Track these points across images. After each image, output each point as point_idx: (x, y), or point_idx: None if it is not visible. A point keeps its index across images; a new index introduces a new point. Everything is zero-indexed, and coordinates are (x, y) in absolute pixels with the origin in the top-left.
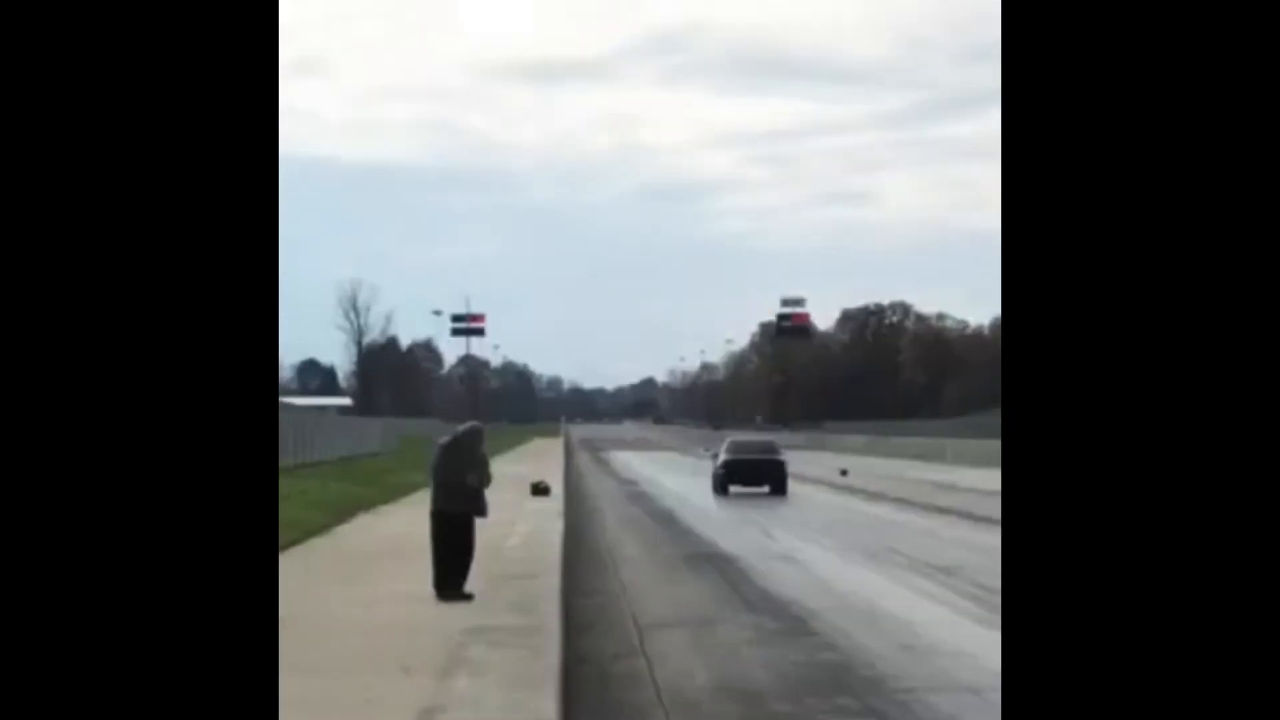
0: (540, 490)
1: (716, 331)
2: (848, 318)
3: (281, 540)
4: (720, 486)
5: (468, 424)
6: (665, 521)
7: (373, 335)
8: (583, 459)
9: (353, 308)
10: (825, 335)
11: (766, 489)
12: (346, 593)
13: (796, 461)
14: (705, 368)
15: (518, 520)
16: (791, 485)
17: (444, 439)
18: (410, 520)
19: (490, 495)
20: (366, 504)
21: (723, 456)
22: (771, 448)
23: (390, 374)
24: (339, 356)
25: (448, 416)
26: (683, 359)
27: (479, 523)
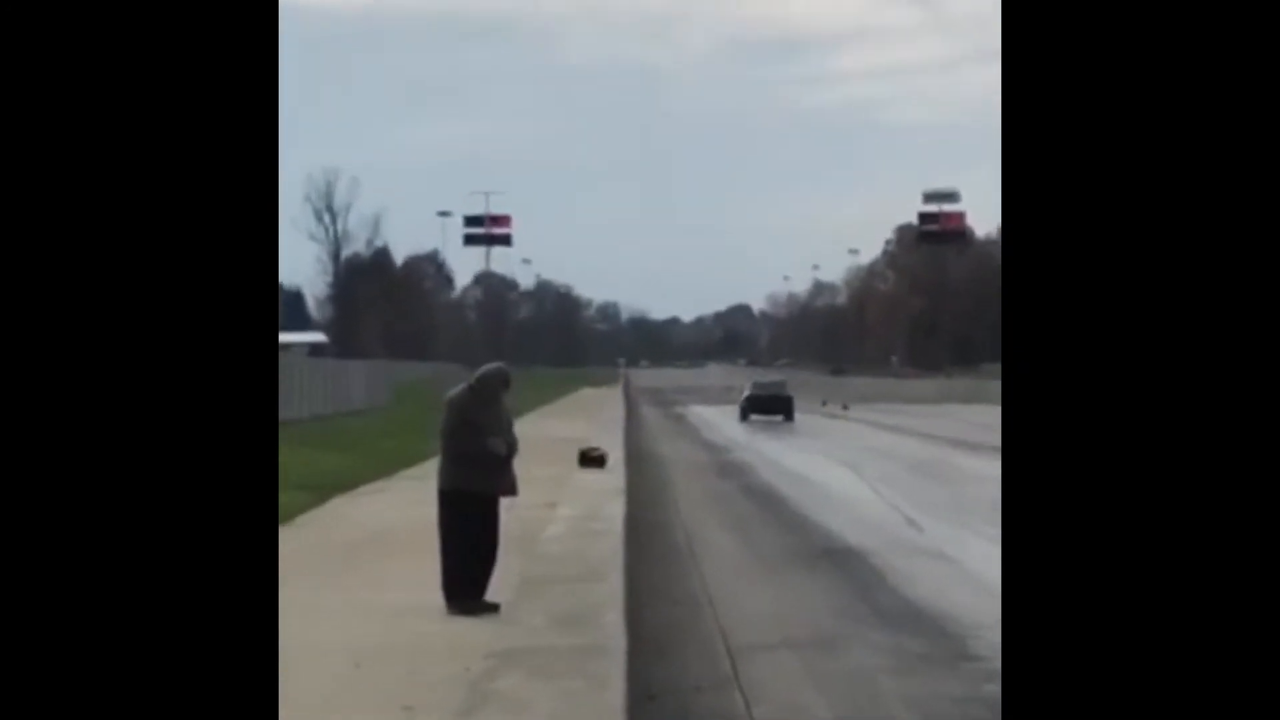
0: (592, 459)
1: (835, 240)
2: None
3: None
4: (743, 415)
5: (487, 366)
6: (766, 501)
7: (355, 246)
8: (650, 416)
9: (327, 208)
10: (986, 244)
11: (780, 418)
12: (326, 603)
13: (954, 421)
14: (820, 289)
15: (561, 500)
16: (942, 453)
17: (456, 390)
18: (410, 502)
19: (520, 467)
20: (348, 480)
21: (746, 393)
22: (782, 386)
23: (380, 300)
24: (308, 276)
25: (460, 358)
26: (787, 278)
27: (506, 504)
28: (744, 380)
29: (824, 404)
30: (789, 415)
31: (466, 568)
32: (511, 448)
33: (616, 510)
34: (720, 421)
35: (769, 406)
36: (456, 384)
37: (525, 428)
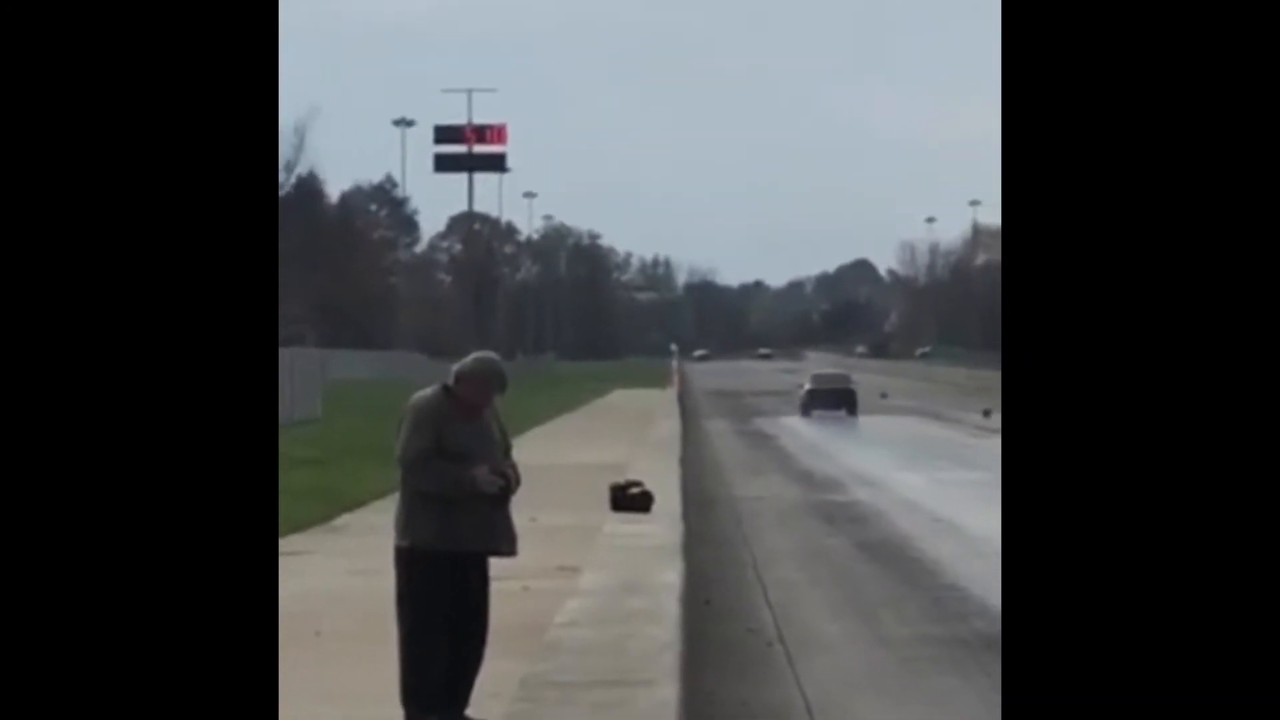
0: (631, 499)
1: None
2: None
3: None
4: (804, 411)
5: (472, 357)
6: (899, 567)
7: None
8: (718, 433)
9: None
10: None
11: (843, 411)
12: None
13: None
14: (982, 237)
15: (584, 564)
16: None
17: (422, 394)
18: (348, 568)
19: (521, 510)
20: None
21: (806, 386)
22: (845, 378)
23: (303, 256)
24: None
25: (426, 345)
26: (932, 220)
27: (500, 569)
28: (858, 380)
29: (986, 414)
30: (852, 410)
31: (437, 667)
32: (509, 482)
33: (669, 579)
34: (825, 440)
35: (832, 401)
36: (423, 384)
37: (530, 450)
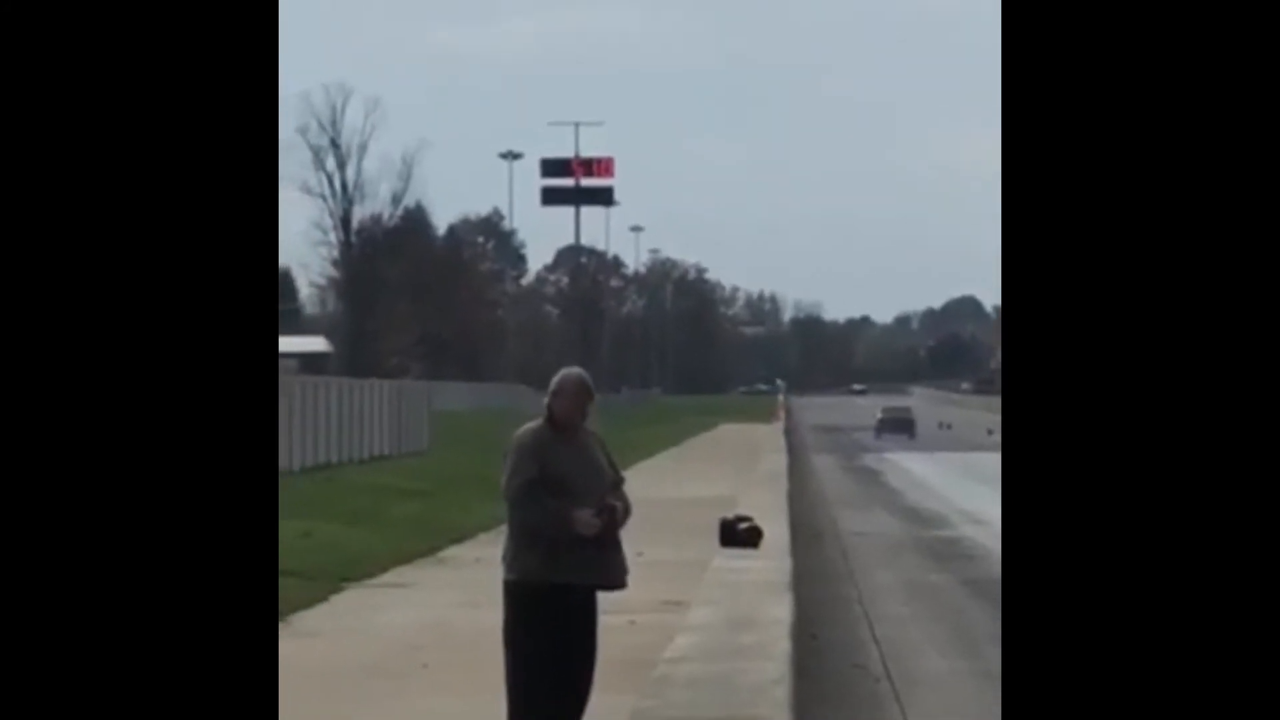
0: (740, 534)
1: None
2: None
3: None
4: (877, 434)
5: (562, 374)
6: (998, 600)
7: (374, 205)
8: (826, 469)
9: (331, 145)
10: None
11: (905, 435)
12: None
13: None
14: None
15: (694, 599)
16: None
17: (527, 427)
18: (454, 601)
19: (630, 544)
20: (362, 565)
21: (879, 415)
22: (907, 410)
23: (411, 288)
24: (300, 249)
25: (534, 378)
26: None
27: (608, 603)
28: (964, 417)
29: None
30: (911, 434)
31: (544, 701)
32: (614, 518)
33: (779, 614)
34: (931, 477)
35: (896, 426)
36: (528, 416)
37: (638, 483)
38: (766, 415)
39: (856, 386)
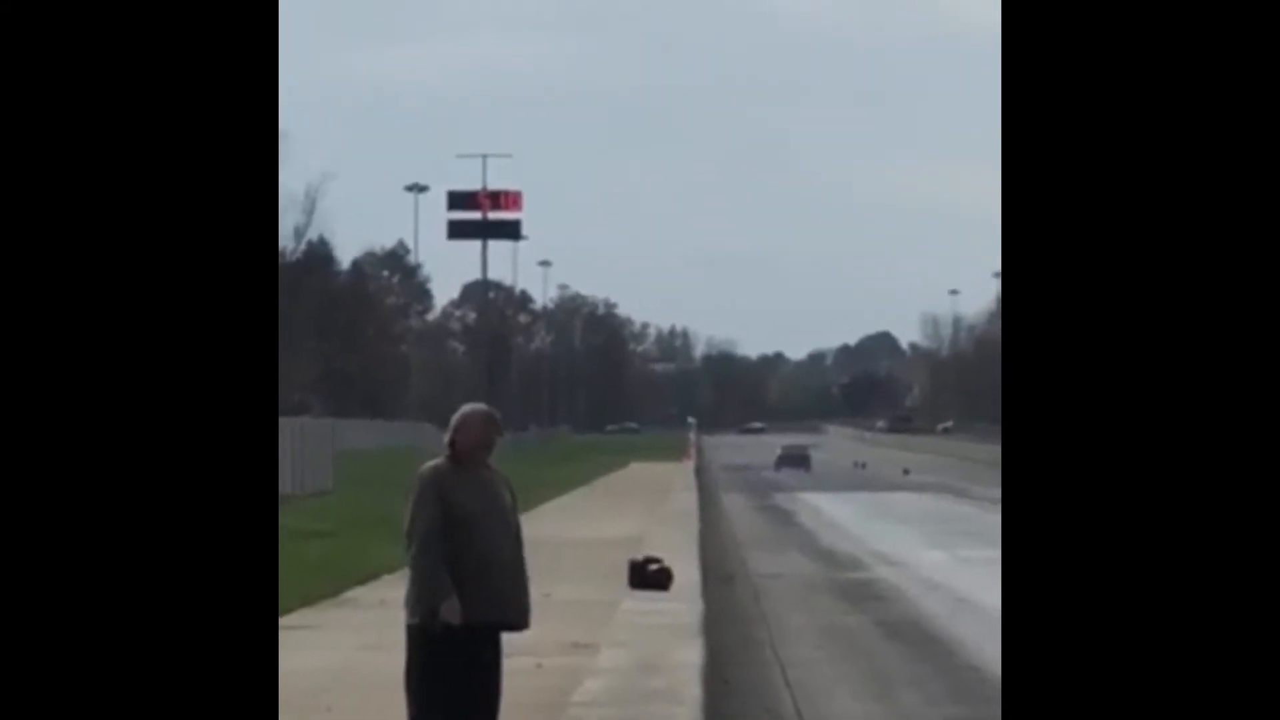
0: (650, 576)
1: None
2: None
3: None
4: (776, 468)
5: (467, 409)
6: (919, 645)
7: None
8: (737, 509)
9: None
10: None
11: (805, 470)
12: None
13: None
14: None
15: (602, 641)
16: None
17: (431, 464)
18: (359, 641)
19: (537, 586)
20: None
21: (778, 452)
22: (804, 447)
23: (313, 324)
24: None
25: (440, 416)
26: (956, 292)
27: (512, 645)
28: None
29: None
30: (808, 468)
31: None
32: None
33: (689, 657)
34: (845, 518)
35: (794, 462)
36: (433, 455)
37: (544, 523)
38: (677, 454)
39: (755, 425)
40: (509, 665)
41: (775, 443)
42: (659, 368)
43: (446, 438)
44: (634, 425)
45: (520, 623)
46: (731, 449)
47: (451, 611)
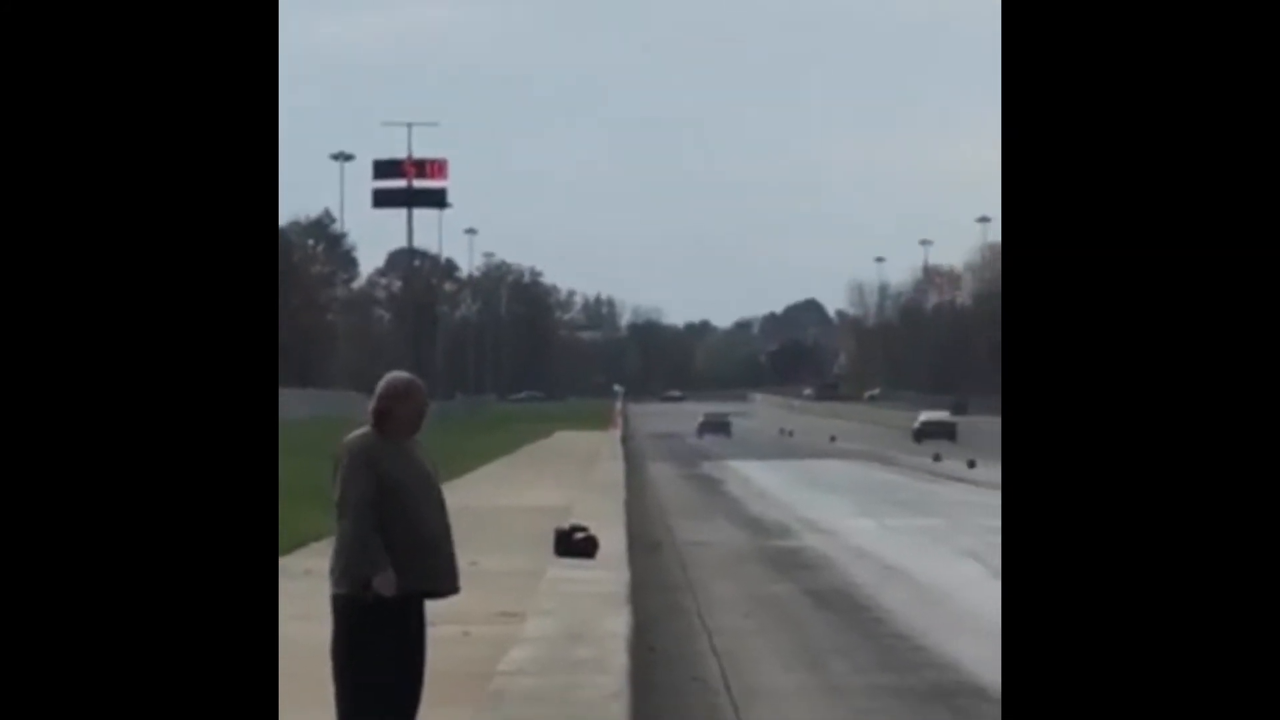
0: (576, 544)
1: (959, 200)
2: None
3: None
4: (699, 434)
5: (389, 378)
6: (849, 614)
7: None
8: (663, 477)
9: None
10: None
11: (723, 435)
12: None
13: None
14: (935, 279)
15: (529, 609)
16: None
17: (356, 433)
18: (283, 614)
19: (465, 555)
20: None
21: (700, 419)
22: (724, 415)
23: None
24: None
25: (364, 384)
26: (881, 260)
27: (438, 612)
28: (807, 423)
29: (937, 459)
30: (728, 434)
31: (378, 716)
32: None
33: (615, 626)
34: (774, 486)
35: (715, 429)
36: (360, 423)
37: (470, 492)
38: (604, 422)
39: (674, 393)
40: (436, 634)
41: (698, 410)
42: (585, 335)
43: (375, 406)
44: (538, 394)
45: (450, 590)
46: (656, 417)
47: (386, 583)
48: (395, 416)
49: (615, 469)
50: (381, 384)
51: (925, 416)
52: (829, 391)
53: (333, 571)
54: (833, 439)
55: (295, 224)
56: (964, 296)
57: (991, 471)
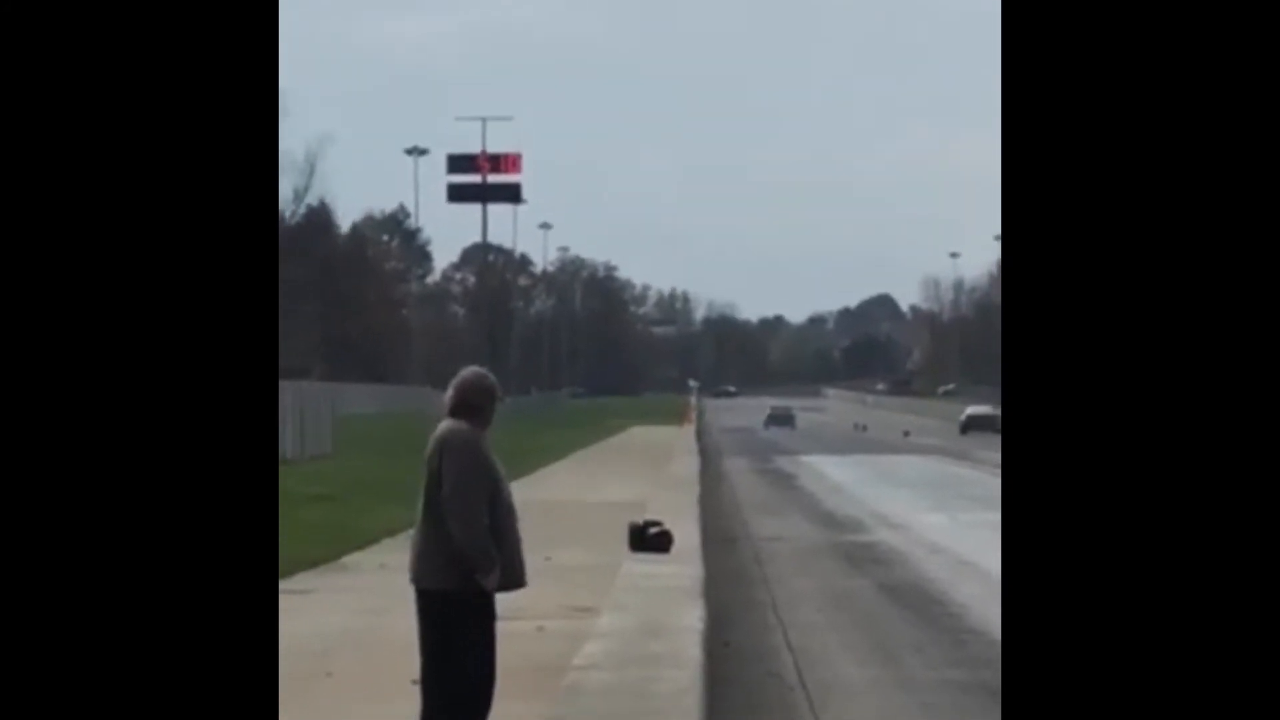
0: (651, 539)
1: None
2: None
3: None
4: (765, 426)
5: (465, 374)
6: (925, 609)
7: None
8: (738, 472)
9: None
10: None
11: (791, 428)
12: None
13: None
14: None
15: (602, 605)
16: None
17: (458, 429)
18: (359, 605)
19: (534, 549)
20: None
21: (768, 412)
22: (789, 408)
23: (313, 287)
24: None
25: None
26: (956, 255)
27: (512, 607)
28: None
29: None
30: (793, 426)
31: (446, 701)
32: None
33: (690, 621)
34: (848, 481)
35: (780, 421)
36: (435, 419)
37: (542, 487)
38: (679, 417)
39: (729, 389)
40: (510, 629)
41: (759, 405)
42: (659, 331)
43: (469, 400)
44: (580, 390)
45: (521, 584)
46: (725, 411)
47: (493, 579)
48: (485, 411)
49: (690, 464)
50: (468, 377)
51: (971, 410)
52: (902, 387)
53: (422, 567)
54: (906, 434)
55: (370, 219)
56: None
57: None
